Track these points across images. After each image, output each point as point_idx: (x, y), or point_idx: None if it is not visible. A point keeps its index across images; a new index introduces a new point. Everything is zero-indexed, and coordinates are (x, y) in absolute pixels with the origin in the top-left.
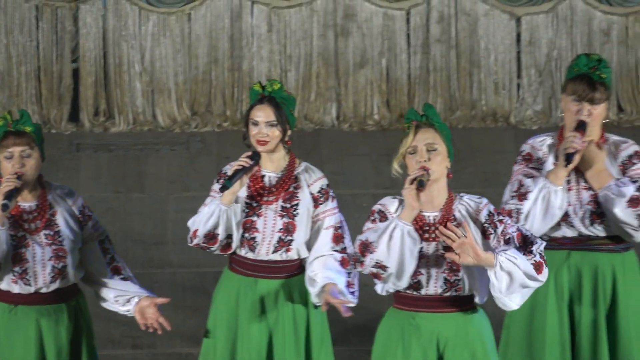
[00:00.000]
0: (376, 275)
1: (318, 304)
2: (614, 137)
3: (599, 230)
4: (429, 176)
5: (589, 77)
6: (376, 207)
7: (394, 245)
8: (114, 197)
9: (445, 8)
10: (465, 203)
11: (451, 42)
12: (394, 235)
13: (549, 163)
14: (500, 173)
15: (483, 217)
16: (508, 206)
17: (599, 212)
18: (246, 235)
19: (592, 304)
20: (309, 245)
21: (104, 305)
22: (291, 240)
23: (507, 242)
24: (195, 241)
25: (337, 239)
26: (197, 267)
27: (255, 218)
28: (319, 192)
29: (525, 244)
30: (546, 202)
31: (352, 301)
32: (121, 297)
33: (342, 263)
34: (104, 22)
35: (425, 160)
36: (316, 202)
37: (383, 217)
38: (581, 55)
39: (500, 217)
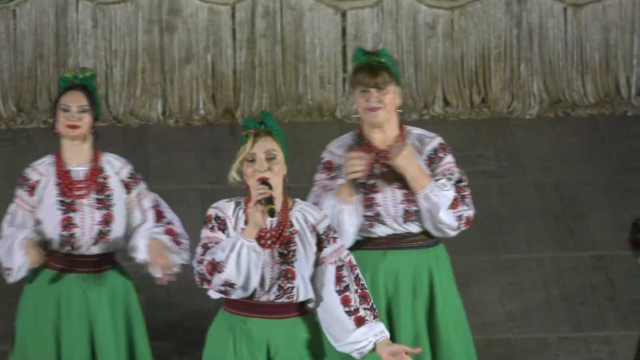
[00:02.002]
0: (224, 292)
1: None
2: (416, 131)
3: (412, 227)
4: (274, 196)
5: (369, 64)
6: (212, 211)
7: (242, 264)
8: None
9: (271, 3)
10: (305, 212)
11: (277, 37)
12: (241, 253)
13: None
14: None
15: (322, 228)
16: None
17: (413, 210)
18: (64, 232)
19: (411, 302)
20: (130, 231)
21: None
22: (109, 231)
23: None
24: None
25: (159, 216)
26: None
27: (72, 214)
28: (128, 177)
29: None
30: (337, 222)
31: (180, 261)
32: None
33: (168, 233)
34: None
35: (265, 170)
36: (127, 187)
37: (221, 223)
38: (358, 48)
39: (336, 236)
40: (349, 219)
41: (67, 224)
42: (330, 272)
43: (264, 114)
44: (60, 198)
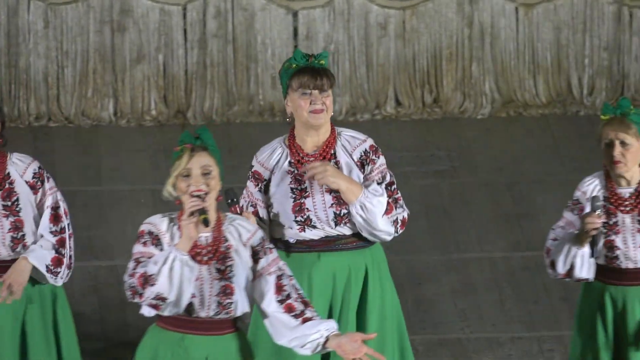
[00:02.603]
0: (155, 307)
1: None
2: (347, 132)
3: (345, 230)
4: (207, 208)
5: (311, 67)
6: (145, 227)
7: (174, 277)
8: None
9: (222, 3)
10: (237, 226)
11: (228, 37)
12: (174, 267)
13: (275, 180)
14: None
15: (255, 241)
16: None
17: (343, 212)
18: None
19: (344, 304)
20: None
21: None
22: (23, 235)
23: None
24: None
25: (56, 219)
26: None
27: None
28: (33, 178)
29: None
30: None
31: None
32: None
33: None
34: None
35: (200, 185)
36: (33, 188)
37: (154, 238)
38: (297, 50)
39: (271, 246)
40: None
41: None
42: (270, 283)
43: (200, 129)
44: None
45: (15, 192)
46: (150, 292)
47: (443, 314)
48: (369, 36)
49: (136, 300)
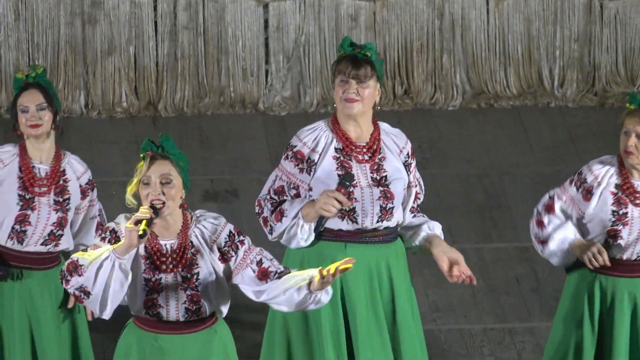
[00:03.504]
0: (77, 298)
1: None
2: (389, 129)
3: (380, 224)
4: (161, 213)
5: (353, 55)
6: (111, 224)
7: (101, 274)
8: None
9: None
10: (202, 227)
11: (199, 29)
12: (104, 264)
13: (321, 163)
14: (250, 160)
15: (222, 240)
16: (263, 203)
17: (389, 207)
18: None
19: (370, 294)
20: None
21: None
22: (61, 235)
23: (261, 268)
24: None
25: (99, 226)
26: None
27: (29, 211)
28: (87, 184)
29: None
30: (292, 232)
31: None
32: None
33: None
34: None
35: (158, 194)
36: (84, 194)
37: (114, 237)
38: (346, 37)
39: (242, 238)
40: (301, 235)
41: (22, 220)
42: (249, 276)
43: (164, 137)
44: (20, 192)
45: (68, 190)
46: (75, 281)
47: None
48: (339, 28)
49: (63, 285)
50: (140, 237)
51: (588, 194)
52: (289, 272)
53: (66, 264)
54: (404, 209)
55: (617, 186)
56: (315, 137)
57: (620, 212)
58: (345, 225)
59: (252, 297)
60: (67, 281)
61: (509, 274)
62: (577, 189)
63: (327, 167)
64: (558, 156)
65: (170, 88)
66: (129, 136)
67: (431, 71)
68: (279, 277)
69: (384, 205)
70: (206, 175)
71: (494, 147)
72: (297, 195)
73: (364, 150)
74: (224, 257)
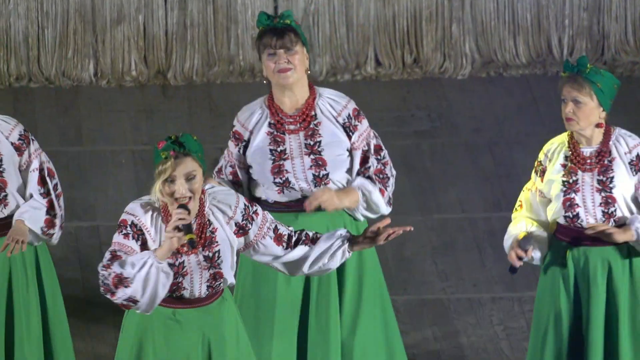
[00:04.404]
0: (125, 306)
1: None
2: (327, 93)
3: None
4: (189, 213)
5: (273, 27)
6: (128, 217)
7: (149, 283)
8: None
9: None
10: (217, 204)
11: None
12: (150, 273)
13: (254, 141)
14: None
15: (239, 215)
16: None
17: (322, 174)
18: None
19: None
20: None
21: None
22: (6, 196)
23: (277, 234)
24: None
25: (43, 180)
26: None
27: None
28: (19, 139)
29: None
30: None
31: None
32: None
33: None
34: None
35: (185, 193)
36: (19, 150)
37: (137, 232)
38: (261, 12)
39: (255, 208)
40: None
41: None
42: (269, 243)
43: (183, 136)
44: None
45: None
46: (122, 293)
47: (424, 275)
48: None
49: (107, 296)
50: (192, 246)
51: (542, 173)
52: (309, 235)
53: (110, 280)
54: (350, 174)
55: (566, 157)
56: (249, 115)
57: (571, 180)
58: (290, 196)
59: (277, 265)
60: (113, 293)
61: None
62: (536, 173)
63: (260, 144)
64: None
65: (180, 57)
66: (138, 105)
67: (440, 40)
68: (302, 241)
69: (316, 173)
70: (215, 144)
71: (503, 116)
72: (233, 174)
73: (297, 119)
74: (242, 231)
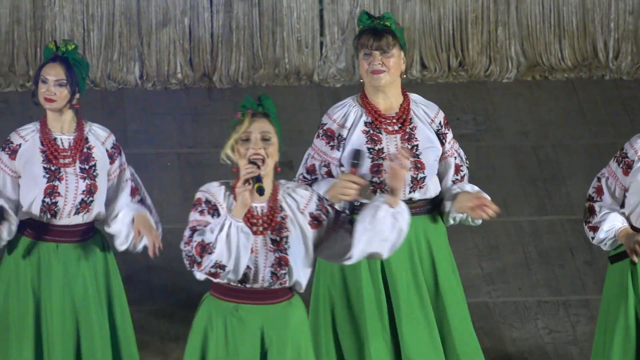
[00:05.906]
0: (214, 275)
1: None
2: (419, 99)
3: (416, 195)
4: (262, 176)
5: (373, 27)
6: (202, 195)
7: (232, 244)
8: None
9: None
10: (292, 194)
11: (253, 1)
12: (230, 233)
13: (351, 139)
14: (305, 131)
15: (314, 205)
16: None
17: (420, 177)
18: (47, 200)
19: (410, 269)
20: (108, 202)
21: None
22: (92, 201)
23: (340, 219)
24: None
25: (134, 192)
26: None
27: (57, 182)
28: (112, 148)
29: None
30: None
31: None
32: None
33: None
34: None
35: (259, 149)
36: (111, 158)
37: (212, 207)
38: (363, 11)
39: (330, 202)
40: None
41: (51, 191)
42: (343, 236)
43: (263, 96)
44: (45, 165)
45: (93, 157)
46: (208, 260)
47: (469, 278)
48: (394, 0)
49: (194, 269)
50: (260, 193)
51: (628, 168)
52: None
53: (193, 250)
54: (442, 181)
55: None
56: (345, 113)
57: None
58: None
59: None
60: (199, 264)
61: (563, 246)
62: (619, 164)
63: (357, 142)
64: (613, 128)
65: (225, 59)
66: (183, 107)
67: (486, 43)
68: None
69: (414, 176)
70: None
71: (549, 119)
72: (329, 174)
73: (394, 121)
74: (316, 221)
